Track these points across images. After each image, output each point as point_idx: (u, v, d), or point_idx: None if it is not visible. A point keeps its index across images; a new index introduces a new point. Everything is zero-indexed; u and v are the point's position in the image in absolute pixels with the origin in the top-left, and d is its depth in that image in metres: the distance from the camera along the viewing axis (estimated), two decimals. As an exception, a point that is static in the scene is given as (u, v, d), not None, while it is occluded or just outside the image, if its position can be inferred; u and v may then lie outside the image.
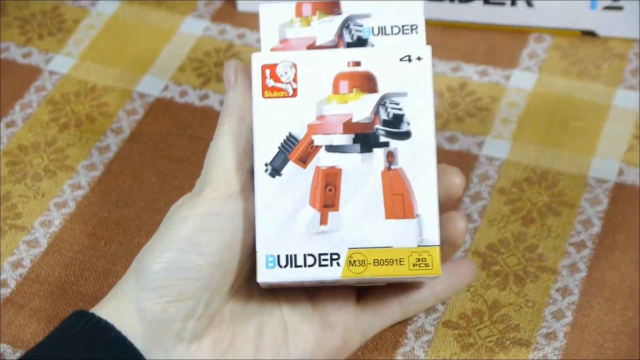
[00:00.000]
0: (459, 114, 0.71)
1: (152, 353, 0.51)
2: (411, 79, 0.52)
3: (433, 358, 0.59)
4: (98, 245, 0.66)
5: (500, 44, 0.75)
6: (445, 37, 0.76)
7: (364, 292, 0.57)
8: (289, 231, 0.52)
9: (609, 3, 0.73)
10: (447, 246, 0.54)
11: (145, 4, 0.80)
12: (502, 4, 0.74)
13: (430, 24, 0.76)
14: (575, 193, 0.66)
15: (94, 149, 0.71)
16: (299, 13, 0.54)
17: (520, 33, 0.75)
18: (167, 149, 0.71)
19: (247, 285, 0.55)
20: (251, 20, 0.78)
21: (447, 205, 0.55)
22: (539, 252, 0.63)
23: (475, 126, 0.70)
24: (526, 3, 0.74)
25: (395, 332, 0.59)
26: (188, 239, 0.51)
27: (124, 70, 0.76)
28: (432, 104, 0.52)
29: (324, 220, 0.52)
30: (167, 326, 0.51)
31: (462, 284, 0.57)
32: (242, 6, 0.79)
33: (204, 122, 0.72)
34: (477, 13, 0.75)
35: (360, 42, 0.54)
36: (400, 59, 0.53)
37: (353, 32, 0.54)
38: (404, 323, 0.60)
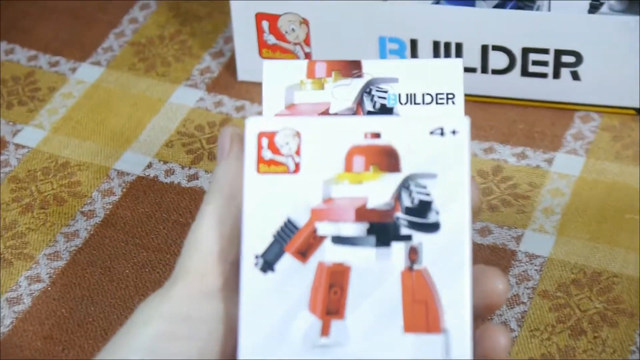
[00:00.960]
0: (492, 202, 0.63)
1: None
2: (443, 158, 0.45)
3: None
4: (54, 350, 0.57)
5: (540, 123, 0.68)
6: (476, 113, 0.68)
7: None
8: (280, 343, 0.44)
9: (668, 77, 0.64)
10: (484, 368, 0.44)
11: (133, 71, 0.72)
12: (544, 76, 0.67)
13: None
14: (635, 299, 0.58)
15: (60, 235, 0.63)
16: (310, 74, 0.48)
17: (564, 111, 0.68)
18: (145, 237, 0.63)
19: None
20: (252, 91, 0.70)
21: (483, 316, 0.47)
22: (592, 372, 0.55)
23: (511, 217, 0.62)
24: (571, 76, 0.66)
25: None
26: (148, 349, 0.43)
27: (102, 144, 0.68)
28: (468, 190, 0.45)
29: (325, 331, 0.44)
30: None
31: None
32: (242, 75, 0.70)
33: (191, 206, 0.64)
34: (514, 86, 0.68)
35: (384, 112, 0.48)
36: (431, 132, 0.45)
37: (375, 98, 0.48)
38: None
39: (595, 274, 0.59)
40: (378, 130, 0.46)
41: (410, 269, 0.44)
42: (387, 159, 0.45)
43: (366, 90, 0.48)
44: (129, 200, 0.64)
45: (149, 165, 0.66)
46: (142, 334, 0.43)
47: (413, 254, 0.44)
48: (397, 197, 0.45)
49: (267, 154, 0.45)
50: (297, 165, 0.45)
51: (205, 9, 0.75)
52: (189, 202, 0.64)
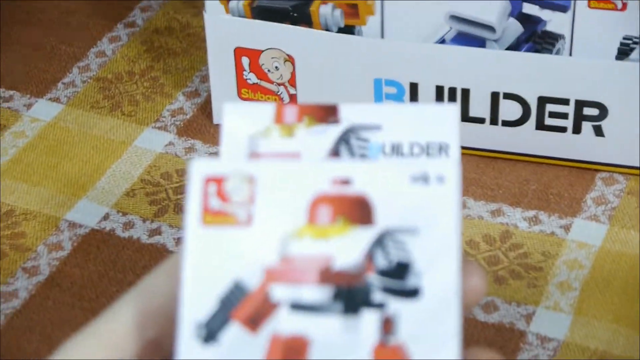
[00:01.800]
0: (499, 273, 0.56)
1: None
2: (427, 209, 0.39)
3: None
4: None
5: (557, 184, 0.61)
6: (483, 171, 0.61)
7: None
8: None
9: None
10: None
11: (96, 110, 0.65)
12: (562, 130, 0.60)
13: (465, 154, 0.62)
14: None
15: (-5, 294, 0.55)
16: (279, 119, 0.42)
17: (585, 170, 0.61)
18: (95, 300, 0.55)
19: None
20: (229, 137, 0.62)
21: None
22: None
23: (521, 292, 0.55)
24: (594, 131, 0.60)
25: None
26: None
27: (54, 191, 0.61)
28: (458, 248, 0.38)
29: None
30: None
31: None
32: (219, 118, 0.64)
33: (150, 265, 0.57)
34: (528, 141, 0.60)
35: None
36: (412, 179, 0.39)
37: (355, 149, 0.42)
38: None
39: (618, 362, 0.51)
40: (348, 176, 0.39)
41: (384, 344, 0.37)
42: (358, 210, 0.39)
43: (344, 138, 0.42)
44: (80, 256, 0.56)
45: (106, 217, 0.58)
46: None
47: (388, 326, 0.37)
48: (370, 255, 0.38)
49: (215, 203, 0.39)
50: (249, 217, 0.39)
51: (182, 44, 0.68)
52: (148, 260, 0.56)
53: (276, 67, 0.60)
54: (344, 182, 0.39)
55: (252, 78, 0.61)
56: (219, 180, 0.39)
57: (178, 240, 0.57)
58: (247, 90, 0.61)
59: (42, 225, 0.58)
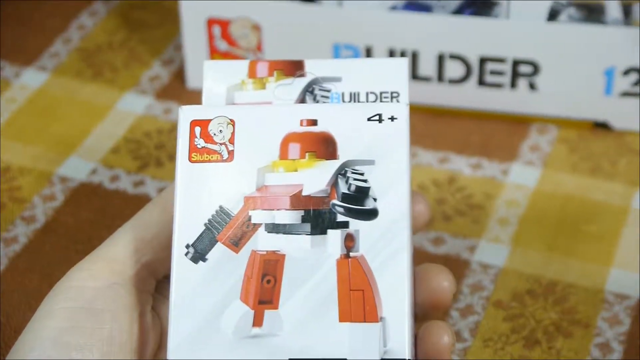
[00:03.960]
0: (446, 211, 0.62)
1: None
2: (381, 144, 0.44)
3: None
4: (-16, 356, 0.54)
5: (496, 134, 0.66)
6: (431, 124, 0.67)
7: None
8: (211, 334, 0.42)
9: (627, 88, 0.63)
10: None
11: (79, 77, 0.70)
12: (500, 86, 0.65)
13: (415, 109, 0.66)
14: (590, 310, 0.56)
15: (-2, 240, 0.60)
16: (252, 73, 0.47)
17: (521, 122, 0.67)
18: (87, 243, 0.60)
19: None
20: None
21: (430, 317, 0.45)
22: (544, 383, 0.52)
23: (466, 227, 0.61)
24: (529, 86, 0.64)
25: None
26: (54, 340, 0.41)
27: (46, 149, 0.66)
28: (408, 176, 0.44)
29: (258, 321, 0.42)
30: None
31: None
32: (192, 82, 0.68)
33: (136, 212, 0.60)
34: (470, 97, 0.66)
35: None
36: (368, 119, 0.44)
37: (318, 97, 0.47)
38: None
39: (550, 284, 0.57)
40: (314, 117, 0.44)
41: (346, 256, 0.42)
42: (323, 146, 0.44)
43: (309, 89, 0.47)
44: (72, 206, 0.62)
45: (94, 171, 0.64)
46: (46, 327, 0.42)
47: (349, 241, 0.43)
48: (334, 184, 0.43)
49: (200, 142, 0.44)
50: (230, 154, 0.44)
51: (156, 17, 0.73)
52: (133, 209, 0.60)
53: (245, 35, 0.65)
54: (310, 122, 0.44)
55: (223, 45, 0.66)
56: (203, 123, 0.45)
57: (160, 190, 0.62)
58: (218, 57, 0.66)
59: (36, 179, 0.63)
